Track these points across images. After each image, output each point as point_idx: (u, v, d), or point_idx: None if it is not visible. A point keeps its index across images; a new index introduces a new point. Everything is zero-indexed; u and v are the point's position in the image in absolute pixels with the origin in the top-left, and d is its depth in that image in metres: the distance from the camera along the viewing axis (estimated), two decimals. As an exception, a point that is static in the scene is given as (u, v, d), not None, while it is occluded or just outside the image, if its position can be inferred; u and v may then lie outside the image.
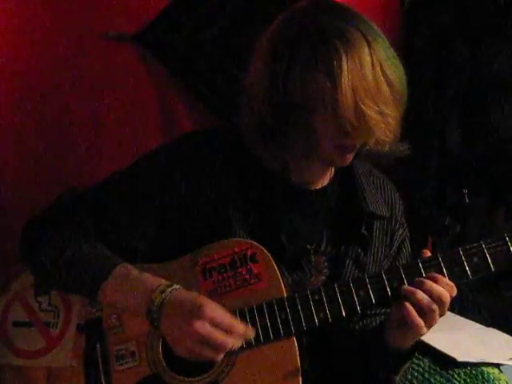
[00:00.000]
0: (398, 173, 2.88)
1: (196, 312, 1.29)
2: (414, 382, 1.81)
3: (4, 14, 2.37)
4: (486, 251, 1.35)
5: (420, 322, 1.34)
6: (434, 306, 1.33)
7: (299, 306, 1.37)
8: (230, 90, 2.44)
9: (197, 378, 1.38)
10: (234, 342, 1.31)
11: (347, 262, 1.53)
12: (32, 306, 1.50)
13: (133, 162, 1.56)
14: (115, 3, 2.49)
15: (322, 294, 1.38)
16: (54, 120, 2.46)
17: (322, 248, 1.54)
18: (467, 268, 1.35)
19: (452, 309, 2.64)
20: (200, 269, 1.42)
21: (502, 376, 1.81)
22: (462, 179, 2.75)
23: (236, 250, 1.41)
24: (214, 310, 1.31)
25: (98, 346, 1.42)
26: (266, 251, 1.41)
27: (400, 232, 1.61)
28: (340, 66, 1.31)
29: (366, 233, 1.54)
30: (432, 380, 1.79)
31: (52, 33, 2.43)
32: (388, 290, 1.37)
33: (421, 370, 1.83)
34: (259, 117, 1.42)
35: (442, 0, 2.79)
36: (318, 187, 1.55)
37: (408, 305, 1.34)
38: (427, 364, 1.85)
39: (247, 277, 1.39)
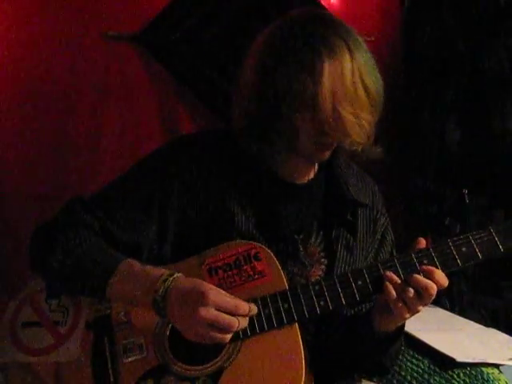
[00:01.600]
0: (398, 173, 2.89)
1: (200, 299, 1.33)
2: (414, 382, 1.81)
3: (3, 14, 2.37)
4: (473, 241, 1.45)
5: (400, 306, 1.41)
6: (411, 294, 1.40)
7: (301, 296, 1.42)
8: (230, 89, 2.44)
9: (203, 366, 1.41)
10: (240, 321, 1.36)
11: (339, 247, 1.60)
12: (42, 307, 1.53)
13: (133, 164, 1.58)
14: (115, 3, 2.49)
15: (323, 284, 1.43)
16: (54, 120, 2.47)
17: (313, 239, 1.60)
18: (457, 257, 1.44)
19: (452, 309, 2.66)
20: (206, 268, 1.46)
21: (501, 376, 1.81)
22: (462, 179, 2.75)
23: (240, 250, 1.46)
24: (217, 294, 1.35)
25: (106, 340, 1.45)
26: (268, 250, 1.46)
27: (382, 221, 1.69)
28: (322, 70, 1.41)
29: (351, 219, 1.63)
30: (431, 380, 1.80)
31: (52, 33, 2.43)
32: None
33: (420, 370, 1.84)
34: (246, 110, 1.51)
35: (442, 0, 2.80)
36: (304, 181, 1.63)
37: (389, 289, 1.41)
38: (427, 364, 1.86)
39: (251, 273, 1.45)
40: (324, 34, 1.44)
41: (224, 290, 1.41)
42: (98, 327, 1.48)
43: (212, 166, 1.54)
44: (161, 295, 1.36)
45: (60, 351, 1.48)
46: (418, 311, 1.43)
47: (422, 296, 1.40)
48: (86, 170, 2.49)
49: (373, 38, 2.75)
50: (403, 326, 1.52)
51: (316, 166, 1.64)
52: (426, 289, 1.40)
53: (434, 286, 1.40)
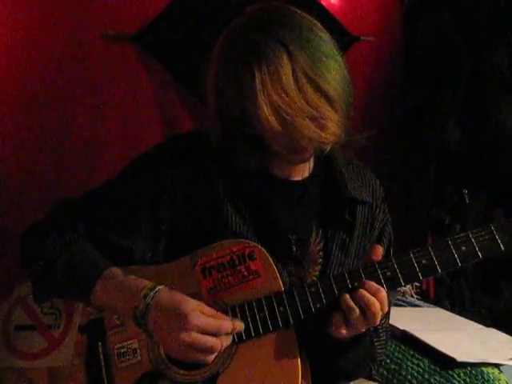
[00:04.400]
0: (398, 173, 2.90)
1: (182, 323, 1.30)
2: (414, 381, 1.81)
3: (3, 14, 2.38)
4: (473, 240, 1.40)
5: (340, 325, 1.37)
6: (355, 315, 1.35)
7: (297, 299, 1.39)
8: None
9: (198, 371, 1.39)
10: (222, 342, 1.32)
11: (334, 248, 1.55)
12: (34, 309, 1.51)
13: (124, 167, 1.57)
14: (115, 3, 2.50)
15: (319, 286, 1.40)
16: (54, 120, 2.47)
17: (313, 238, 1.55)
18: (456, 256, 1.40)
19: (452, 309, 2.66)
20: (199, 268, 1.43)
21: (501, 376, 1.80)
22: (462, 179, 2.76)
23: (234, 249, 1.43)
24: (199, 317, 1.31)
25: (99, 344, 1.44)
26: (263, 249, 1.43)
27: (381, 217, 1.62)
28: (253, 83, 1.30)
29: (349, 218, 1.56)
30: (432, 380, 1.79)
31: (52, 33, 2.43)
32: (382, 280, 1.40)
33: (421, 370, 1.83)
34: (212, 124, 1.46)
35: (442, 0, 2.80)
36: (298, 178, 1.57)
37: (337, 317, 1.37)
38: (427, 364, 1.85)
39: (246, 273, 1.41)
40: (256, 39, 1.32)
41: (218, 291, 1.39)
42: (91, 330, 1.46)
43: (202, 165, 1.50)
44: (141, 311, 1.33)
45: (54, 355, 1.46)
46: (357, 323, 1.37)
47: (365, 315, 1.35)
48: (86, 170, 2.49)
49: (373, 38, 2.76)
50: (359, 336, 1.44)
51: (311, 163, 1.58)
52: (368, 305, 1.34)
53: (377, 304, 1.34)
